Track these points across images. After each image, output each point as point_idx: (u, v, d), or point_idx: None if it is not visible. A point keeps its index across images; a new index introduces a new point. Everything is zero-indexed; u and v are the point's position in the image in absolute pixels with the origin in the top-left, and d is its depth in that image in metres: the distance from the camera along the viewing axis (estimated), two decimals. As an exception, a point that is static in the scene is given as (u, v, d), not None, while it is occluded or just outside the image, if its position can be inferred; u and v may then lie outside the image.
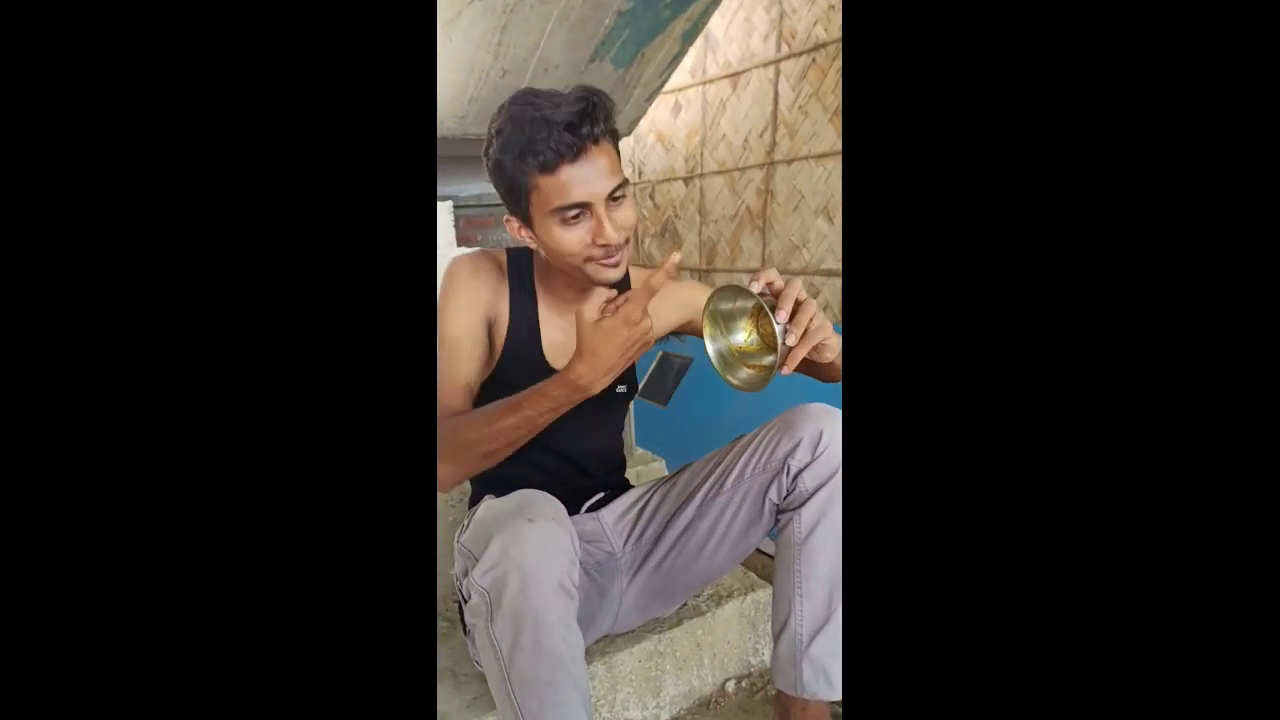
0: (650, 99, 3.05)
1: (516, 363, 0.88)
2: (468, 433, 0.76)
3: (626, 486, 1.01)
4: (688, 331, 1.01)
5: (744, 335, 0.72)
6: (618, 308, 0.69)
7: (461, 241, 3.01)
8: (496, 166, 0.79)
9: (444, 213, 2.31)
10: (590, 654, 0.95)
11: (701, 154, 3.49)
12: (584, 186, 0.75)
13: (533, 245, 0.84)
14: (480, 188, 3.56)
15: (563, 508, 0.78)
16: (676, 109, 3.60)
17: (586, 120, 0.74)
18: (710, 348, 0.72)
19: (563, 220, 0.77)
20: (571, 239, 0.78)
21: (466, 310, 0.85)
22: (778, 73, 3.02)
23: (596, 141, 0.76)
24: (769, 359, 0.68)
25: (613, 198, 0.77)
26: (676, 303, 0.98)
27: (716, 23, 3.21)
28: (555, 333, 0.90)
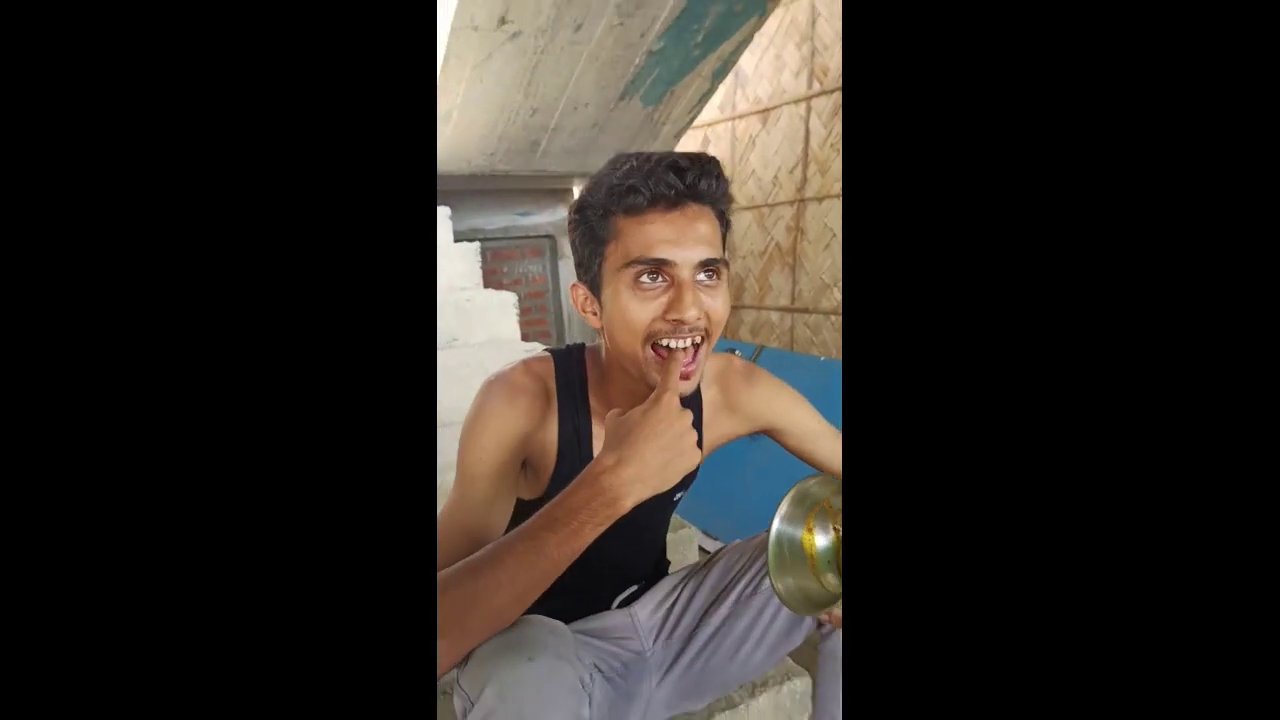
0: (679, 136, 3.04)
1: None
2: (465, 584, 0.57)
3: (664, 570, 0.96)
4: (765, 434, 0.88)
5: (832, 538, 0.59)
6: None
7: (488, 275, 3.00)
8: (579, 210, 0.67)
9: (471, 252, 2.29)
10: (616, 752, 0.89)
11: (730, 189, 3.46)
12: (673, 243, 0.62)
13: (595, 322, 0.70)
14: (506, 220, 3.57)
15: (568, 635, 0.64)
16: (705, 144, 3.58)
17: (696, 168, 0.63)
18: (777, 528, 0.59)
19: (636, 281, 0.63)
20: (640, 311, 0.63)
21: (496, 446, 0.70)
22: (809, 109, 2.99)
23: (701, 201, 0.64)
24: (839, 586, 0.56)
25: (706, 271, 0.64)
26: (745, 415, 0.84)
27: (747, 59, 3.19)
28: None
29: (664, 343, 0.64)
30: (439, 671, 0.59)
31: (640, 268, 0.63)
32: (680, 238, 0.63)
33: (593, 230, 0.66)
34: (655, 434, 0.56)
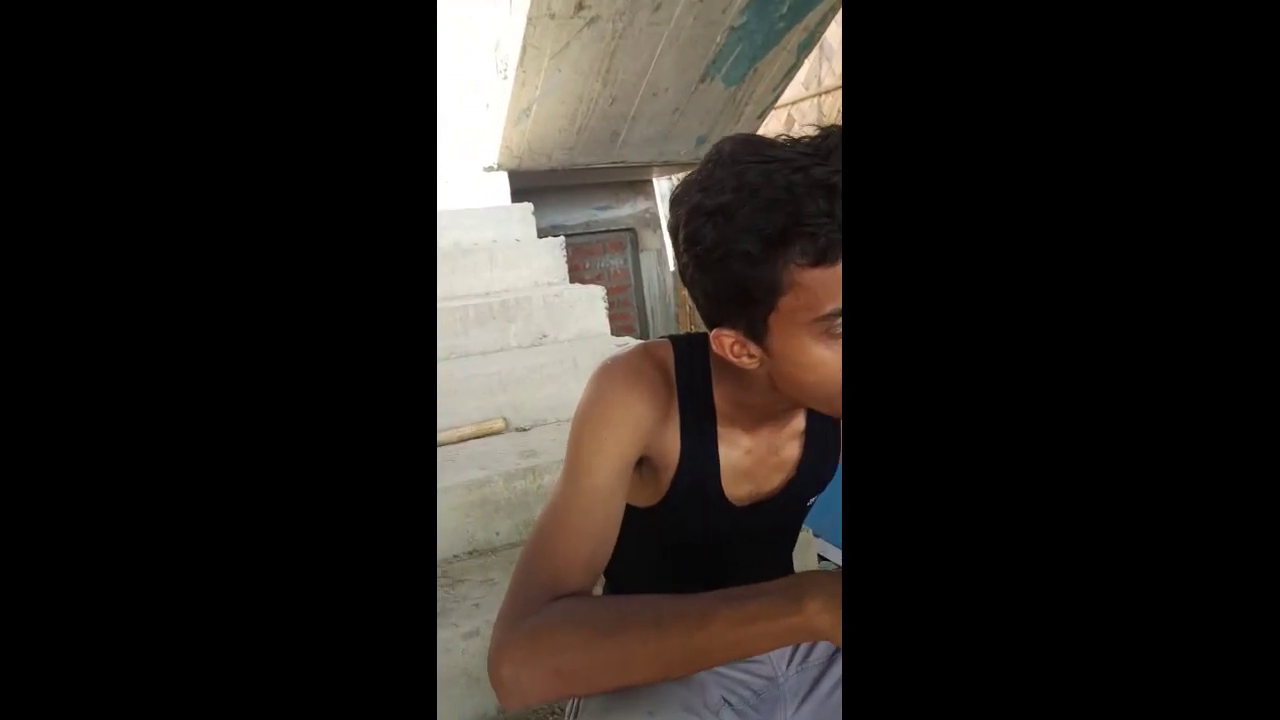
0: (763, 116, 2.93)
1: (687, 495, 0.67)
2: (607, 624, 0.50)
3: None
4: None
5: None
6: None
7: (572, 271, 2.98)
8: (721, 260, 0.53)
9: (556, 246, 2.27)
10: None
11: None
12: None
13: (750, 366, 0.59)
14: (586, 215, 3.54)
15: (698, 677, 0.56)
16: (790, 124, 3.45)
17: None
18: None
19: (829, 331, 0.52)
20: (838, 361, 0.53)
21: (616, 441, 0.61)
22: (903, 78, 2.81)
23: None
24: None
25: None
26: None
27: (833, 30, 3.03)
28: (735, 454, 0.69)
29: None
30: (530, 700, 0.52)
31: (832, 321, 0.52)
32: None
33: (754, 280, 0.53)
34: None
